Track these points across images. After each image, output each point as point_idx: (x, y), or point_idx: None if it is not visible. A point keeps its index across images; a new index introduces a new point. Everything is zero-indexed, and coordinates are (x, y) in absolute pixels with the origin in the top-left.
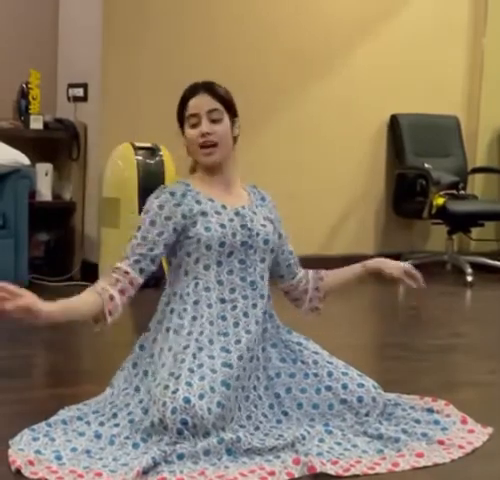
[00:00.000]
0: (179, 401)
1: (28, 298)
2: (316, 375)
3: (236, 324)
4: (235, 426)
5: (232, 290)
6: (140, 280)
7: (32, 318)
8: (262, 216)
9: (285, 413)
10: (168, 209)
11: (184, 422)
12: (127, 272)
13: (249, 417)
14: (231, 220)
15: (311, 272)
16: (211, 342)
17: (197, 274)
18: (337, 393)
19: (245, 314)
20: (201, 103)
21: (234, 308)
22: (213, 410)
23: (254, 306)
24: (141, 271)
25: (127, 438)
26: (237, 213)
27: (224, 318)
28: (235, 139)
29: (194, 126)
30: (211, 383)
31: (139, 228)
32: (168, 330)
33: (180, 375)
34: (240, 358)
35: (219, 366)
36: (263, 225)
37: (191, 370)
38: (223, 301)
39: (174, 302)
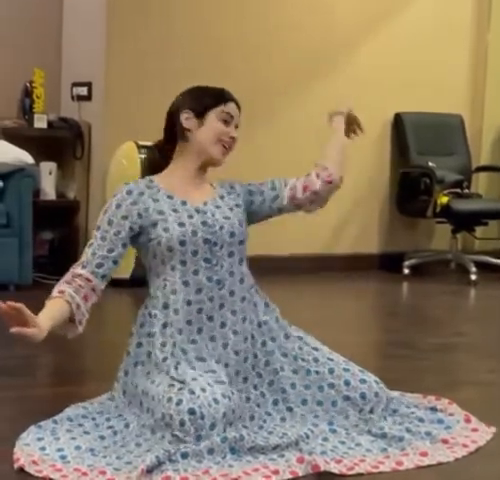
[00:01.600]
0: (185, 393)
1: (32, 331)
2: (317, 373)
3: (199, 330)
4: (239, 425)
5: (198, 291)
6: (102, 286)
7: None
8: (227, 207)
9: (290, 409)
10: (125, 208)
11: (192, 412)
12: (89, 280)
13: (252, 417)
14: (191, 217)
15: (312, 173)
16: (184, 352)
17: (166, 275)
18: (340, 390)
19: (209, 318)
20: (236, 112)
21: (199, 311)
22: (220, 400)
23: (221, 306)
24: (103, 277)
25: (133, 439)
26: (198, 210)
27: (190, 323)
28: None
29: (224, 122)
30: (207, 380)
31: (98, 228)
32: (149, 335)
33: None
34: (218, 362)
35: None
36: (227, 218)
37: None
38: (189, 303)
39: (151, 305)
